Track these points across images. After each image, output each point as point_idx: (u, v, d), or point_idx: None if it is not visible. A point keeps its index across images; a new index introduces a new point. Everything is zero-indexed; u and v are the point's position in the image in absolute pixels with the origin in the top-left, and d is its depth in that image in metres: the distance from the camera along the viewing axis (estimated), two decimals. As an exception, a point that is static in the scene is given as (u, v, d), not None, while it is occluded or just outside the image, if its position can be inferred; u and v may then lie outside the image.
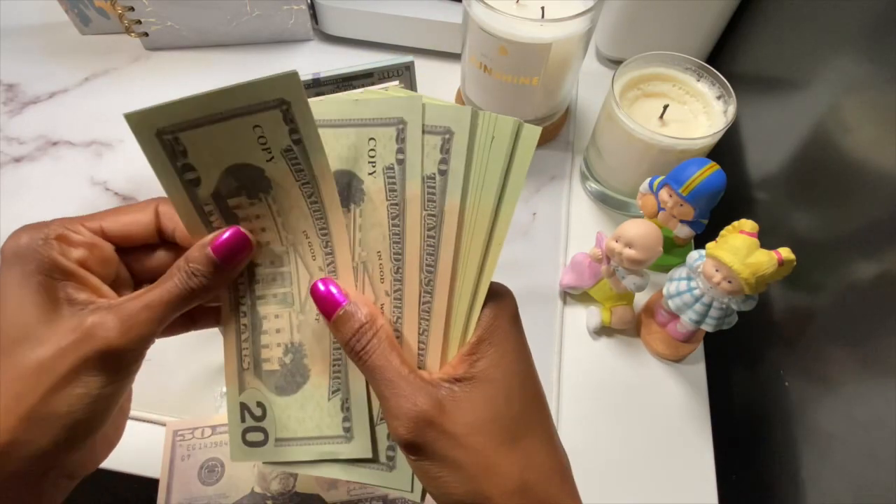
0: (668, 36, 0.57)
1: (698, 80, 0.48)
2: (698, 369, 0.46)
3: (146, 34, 0.61)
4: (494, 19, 0.45)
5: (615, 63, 0.62)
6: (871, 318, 0.33)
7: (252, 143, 0.23)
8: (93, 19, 0.62)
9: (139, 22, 0.59)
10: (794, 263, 0.35)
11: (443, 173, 0.23)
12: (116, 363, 0.22)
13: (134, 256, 0.26)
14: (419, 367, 0.24)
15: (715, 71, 0.47)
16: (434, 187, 0.23)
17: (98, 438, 0.24)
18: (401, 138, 0.23)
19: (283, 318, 0.26)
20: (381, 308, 0.25)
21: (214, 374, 0.44)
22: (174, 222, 0.25)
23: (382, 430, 0.26)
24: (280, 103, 0.22)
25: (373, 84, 0.46)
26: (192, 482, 0.39)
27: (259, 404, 0.27)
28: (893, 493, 0.29)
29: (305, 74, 0.40)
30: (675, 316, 0.42)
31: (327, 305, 0.24)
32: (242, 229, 0.24)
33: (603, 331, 0.47)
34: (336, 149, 0.24)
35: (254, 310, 0.26)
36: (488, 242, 0.23)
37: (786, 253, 0.35)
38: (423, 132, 0.23)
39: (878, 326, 0.32)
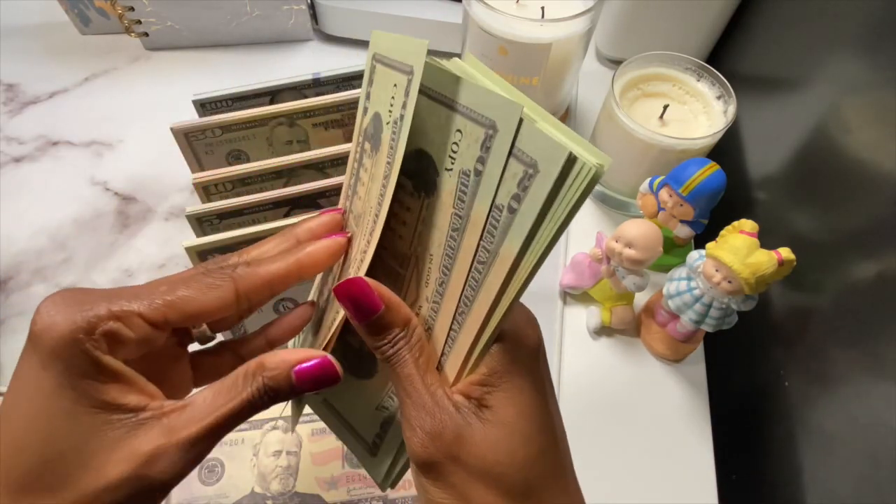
0: (668, 36, 0.57)
1: (698, 80, 0.48)
2: (698, 369, 0.46)
3: (146, 34, 0.61)
4: (494, 19, 0.45)
5: (615, 63, 0.62)
6: (871, 318, 0.33)
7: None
8: (93, 19, 0.62)
9: (139, 22, 0.59)
10: (794, 263, 0.35)
11: (512, 211, 0.18)
12: (165, 493, 0.20)
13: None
14: None
15: (715, 71, 0.47)
16: (497, 222, 0.19)
17: None
18: (486, 147, 0.19)
19: None
20: (418, 312, 0.23)
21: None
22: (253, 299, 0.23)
23: (377, 417, 0.26)
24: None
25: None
26: (193, 482, 0.39)
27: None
28: (893, 493, 0.29)
29: (305, 74, 0.40)
30: (675, 316, 0.42)
31: (361, 307, 0.21)
32: (331, 358, 0.22)
33: (603, 331, 0.47)
34: (426, 124, 0.21)
35: None
36: (521, 287, 0.19)
37: (786, 253, 0.35)
38: (510, 153, 0.18)
39: (878, 326, 0.32)
